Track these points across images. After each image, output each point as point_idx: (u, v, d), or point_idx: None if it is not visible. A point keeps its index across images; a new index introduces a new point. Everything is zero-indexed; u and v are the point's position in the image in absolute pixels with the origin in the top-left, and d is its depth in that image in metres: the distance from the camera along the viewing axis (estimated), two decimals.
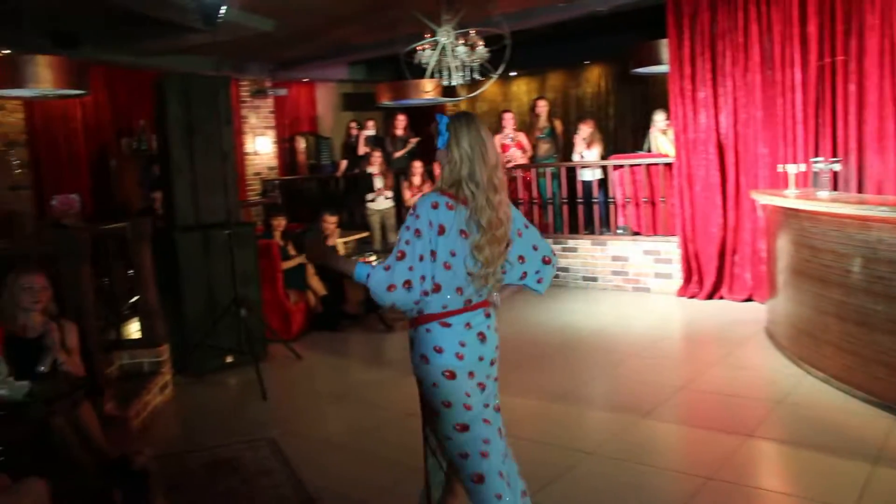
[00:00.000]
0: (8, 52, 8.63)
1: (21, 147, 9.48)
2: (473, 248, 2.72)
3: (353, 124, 12.23)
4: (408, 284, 2.69)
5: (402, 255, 2.70)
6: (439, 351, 2.76)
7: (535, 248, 2.98)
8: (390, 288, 2.70)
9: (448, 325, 2.77)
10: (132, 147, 10.61)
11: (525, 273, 2.98)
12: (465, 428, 2.80)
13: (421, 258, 2.69)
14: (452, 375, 2.76)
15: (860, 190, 6.80)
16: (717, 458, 3.99)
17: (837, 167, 6.18)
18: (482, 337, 2.83)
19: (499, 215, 2.73)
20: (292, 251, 7.47)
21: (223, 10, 6.39)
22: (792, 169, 6.08)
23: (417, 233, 2.70)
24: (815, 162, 6.07)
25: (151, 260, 5.62)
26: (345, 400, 5.40)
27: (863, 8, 6.67)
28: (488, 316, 2.88)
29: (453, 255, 2.71)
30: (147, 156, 9.75)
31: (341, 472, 4.13)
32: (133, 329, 6.08)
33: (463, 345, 2.78)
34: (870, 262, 4.56)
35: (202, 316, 6.01)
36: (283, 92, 12.71)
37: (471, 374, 2.80)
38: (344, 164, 11.99)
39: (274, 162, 12.99)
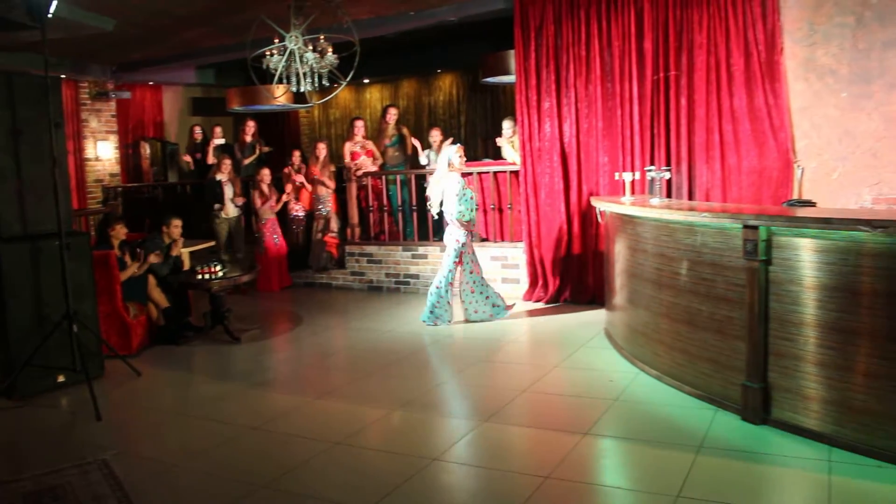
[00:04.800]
0: None
1: None
2: None
3: (198, 129, 11.78)
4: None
5: None
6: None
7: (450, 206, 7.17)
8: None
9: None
10: None
11: (451, 213, 7.10)
12: None
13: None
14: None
15: (690, 197, 7.25)
16: (555, 457, 4.12)
17: (668, 175, 6.55)
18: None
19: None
20: (129, 261, 7.11)
21: (54, 5, 5.98)
22: (627, 177, 6.38)
23: None
24: (649, 170, 6.40)
25: None
26: (185, 417, 5.19)
27: (692, 27, 7.13)
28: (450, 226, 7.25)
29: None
30: None
31: (178, 494, 3.95)
32: None
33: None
34: (695, 264, 4.85)
35: (30, 333, 5.61)
36: (125, 95, 12.13)
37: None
38: (189, 158, 11.50)
39: (116, 168, 12.36)
